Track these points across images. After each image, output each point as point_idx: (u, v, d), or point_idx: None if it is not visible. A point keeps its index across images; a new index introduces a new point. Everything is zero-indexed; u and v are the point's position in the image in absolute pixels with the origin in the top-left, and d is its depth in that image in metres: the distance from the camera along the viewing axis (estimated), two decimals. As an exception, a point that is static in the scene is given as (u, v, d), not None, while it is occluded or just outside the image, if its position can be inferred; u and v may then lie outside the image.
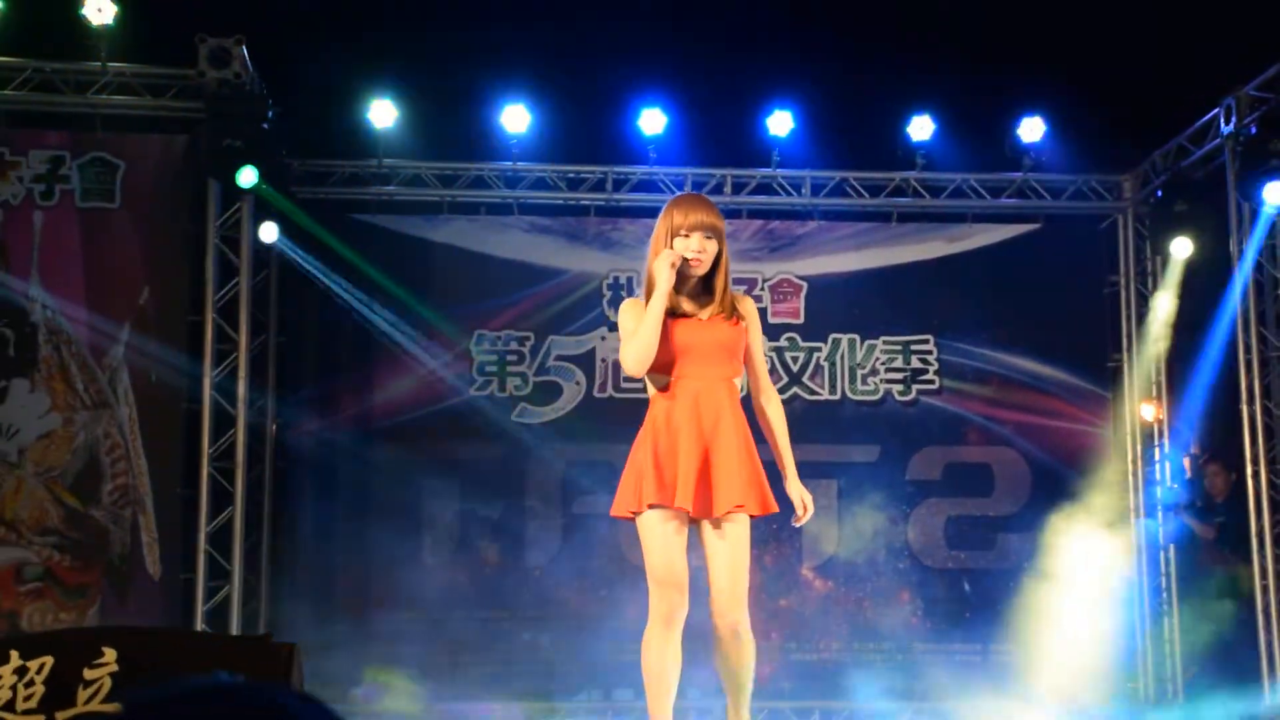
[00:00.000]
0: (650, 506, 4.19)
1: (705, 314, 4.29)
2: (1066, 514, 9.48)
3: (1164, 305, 9.64)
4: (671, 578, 4.21)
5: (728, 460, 4.21)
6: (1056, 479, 9.61)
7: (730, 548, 4.26)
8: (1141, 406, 9.85)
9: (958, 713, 8.66)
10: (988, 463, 9.72)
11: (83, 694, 4.54)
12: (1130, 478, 9.77)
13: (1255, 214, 8.62)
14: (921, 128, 9.68)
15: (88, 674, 4.62)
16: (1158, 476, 9.70)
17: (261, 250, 8.98)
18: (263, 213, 8.78)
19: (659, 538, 4.20)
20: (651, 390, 4.36)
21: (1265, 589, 8.40)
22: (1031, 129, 9.67)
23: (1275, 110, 8.27)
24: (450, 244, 9.59)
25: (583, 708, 9.03)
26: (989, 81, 9.93)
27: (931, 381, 9.76)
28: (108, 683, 4.58)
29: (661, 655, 4.24)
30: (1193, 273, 9.45)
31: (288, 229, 9.03)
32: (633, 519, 4.31)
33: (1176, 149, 9.40)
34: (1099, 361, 9.87)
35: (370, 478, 9.21)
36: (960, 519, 9.64)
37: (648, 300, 4.24)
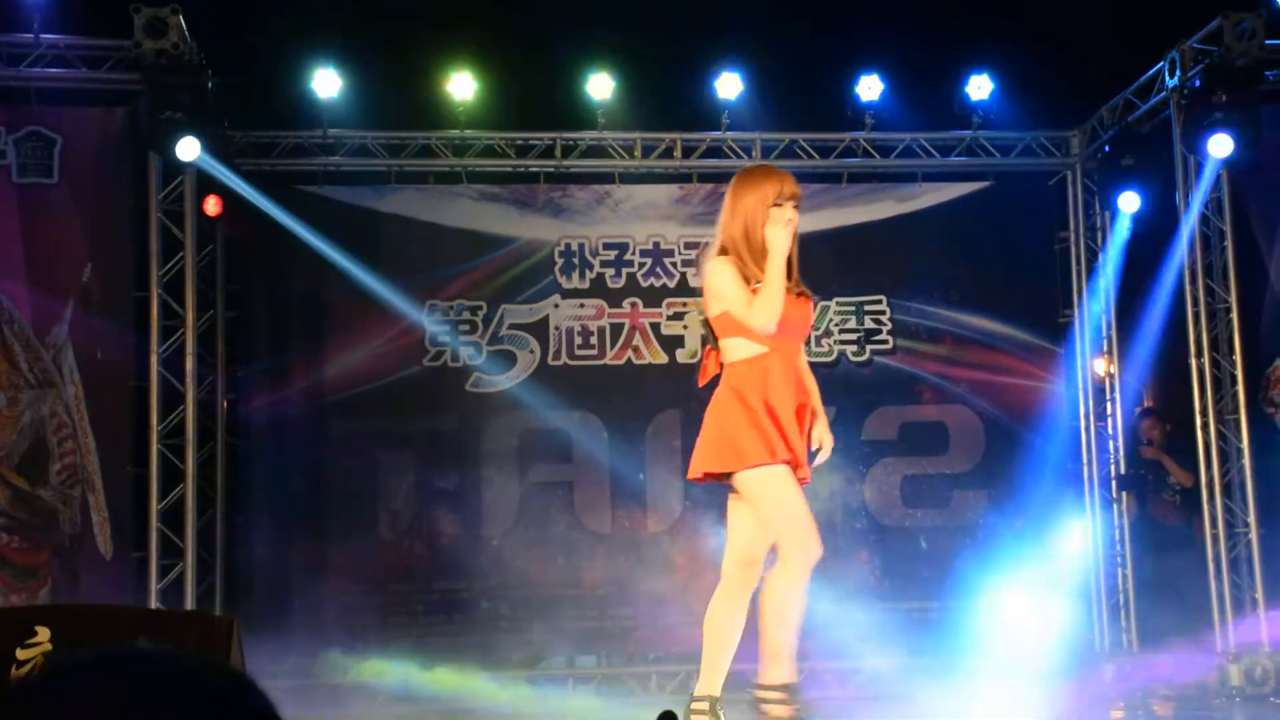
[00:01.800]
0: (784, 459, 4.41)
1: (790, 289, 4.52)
2: (1022, 470, 9.55)
3: (1111, 260, 9.69)
4: (813, 525, 4.48)
5: (803, 432, 4.54)
6: (1010, 435, 9.66)
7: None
8: (1093, 361, 9.91)
9: (915, 669, 8.71)
10: (942, 421, 9.76)
11: (14, 674, 4.48)
12: (1084, 433, 9.83)
13: (1200, 166, 8.66)
14: (870, 88, 9.66)
15: (20, 654, 4.56)
16: (1110, 431, 9.76)
17: (207, 225, 8.86)
18: (206, 186, 8.66)
19: (794, 490, 4.45)
20: (739, 355, 4.51)
21: (1215, 538, 8.47)
22: (979, 87, 9.67)
23: (1218, 63, 8.29)
24: (399, 214, 9.50)
25: (544, 676, 9.03)
26: (937, 40, 9.92)
27: (885, 341, 9.78)
28: (40, 662, 4.53)
29: (803, 596, 4.48)
30: (1140, 226, 9.49)
31: (232, 203, 8.91)
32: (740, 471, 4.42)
33: (1123, 104, 9.42)
34: (1050, 317, 9.91)
35: (324, 451, 9.15)
36: (916, 478, 9.68)
37: (743, 263, 4.46)
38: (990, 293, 9.78)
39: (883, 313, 9.81)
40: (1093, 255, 9.96)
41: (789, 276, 4.50)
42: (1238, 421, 8.64)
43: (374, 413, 9.18)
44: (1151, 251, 9.23)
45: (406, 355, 9.35)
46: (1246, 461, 8.57)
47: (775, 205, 4.50)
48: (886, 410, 9.72)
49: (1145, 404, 10.13)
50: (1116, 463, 9.63)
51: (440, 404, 9.30)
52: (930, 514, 9.66)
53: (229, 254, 9.20)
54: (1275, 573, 8.45)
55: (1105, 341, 9.91)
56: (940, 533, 9.62)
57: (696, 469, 4.52)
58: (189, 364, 8.50)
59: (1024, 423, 9.71)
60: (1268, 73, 8.56)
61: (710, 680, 4.58)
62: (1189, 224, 8.76)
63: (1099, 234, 9.94)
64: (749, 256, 4.49)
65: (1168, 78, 8.76)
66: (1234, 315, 8.71)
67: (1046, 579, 9.22)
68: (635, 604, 9.19)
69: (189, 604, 8.07)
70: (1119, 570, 9.57)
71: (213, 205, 8.54)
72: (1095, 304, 9.88)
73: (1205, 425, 8.67)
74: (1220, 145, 8.35)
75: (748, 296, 4.43)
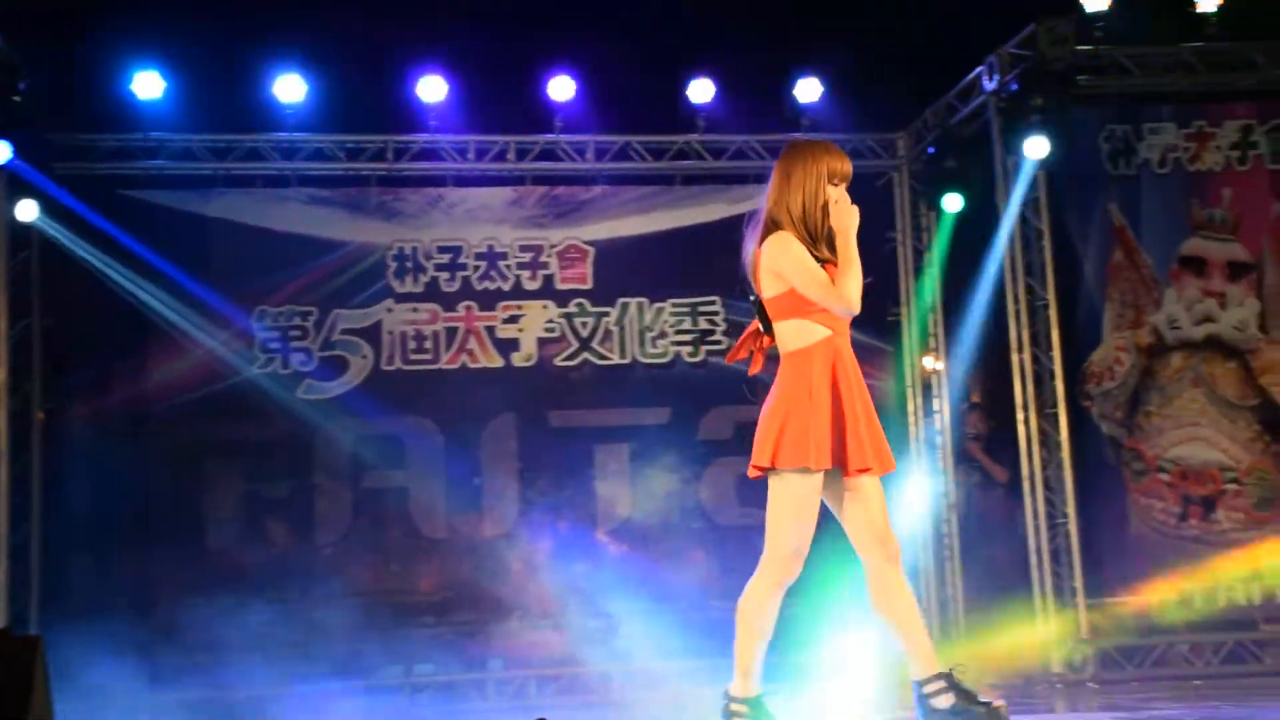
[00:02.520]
0: (823, 469, 4.21)
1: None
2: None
3: (936, 259, 9.91)
4: (804, 545, 4.31)
5: (872, 420, 4.29)
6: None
7: (879, 490, 4.33)
8: (921, 358, 10.12)
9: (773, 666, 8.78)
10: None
11: None
12: (913, 428, 10.04)
13: (1019, 167, 8.90)
14: (701, 90, 9.74)
15: None
16: (937, 426, 9.97)
17: (21, 230, 8.59)
18: (18, 190, 8.39)
19: (813, 508, 4.27)
20: (804, 340, 4.22)
21: (1036, 529, 8.71)
22: (808, 89, 9.81)
23: (1033, 67, 8.53)
24: (225, 218, 9.32)
25: (382, 685, 8.92)
26: (767, 44, 10.05)
27: (720, 342, 9.86)
28: None
29: (769, 609, 4.39)
30: (964, 226, 9.72)
31: (49, 207, 8.64)
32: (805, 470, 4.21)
33: (945, 107, 9.64)
34: (879, 316, 10.08)
35: (147, 463, 8.93)
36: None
37: (803, 238, 4.20)
38: (822, 292, 9.90)
39: (717, 313, 9.90)
40: (919, 254, 10.18)
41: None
42: (1057, 415, 8.90)
43: (200, 421, 8.99)
44: (975, 250, 9.46)
45: (234, 362, 9.17)
46: (1066, 454, 8.83)
47: (833, 184, 4.28)
48: (722, 410, 9.80)
49: (972, 398, 10.38)
50: (944, 458, 9.84)
51: (270, 411, 9.15)
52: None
53: (45, 259, 8.92)
54: (1093, 562, 8.72)
55: (932, 339, 10.13)
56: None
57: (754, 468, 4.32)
58: (1, 373, 8.23)
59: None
60: (1080, 77, 8.82)
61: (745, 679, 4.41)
62: (1008, 223, 9.00)
63: (925, 234, 10.16)
64: (808, 233, 4.23)
65: (986, 82, 8.99)
66: (1052, 312, 8.97)
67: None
68: (472, 610, 9.14)
69: (2, 621, 7.81)
70: (947, 563, 9.78)
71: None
72: (922, 302, 10.10)
73: (1026, 419, 8.91)
74: (1036, 147, 8.60)
75: (827, 276, 4.17)
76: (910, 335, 10.08)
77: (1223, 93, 9.19)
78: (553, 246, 9.79)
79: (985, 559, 9.33)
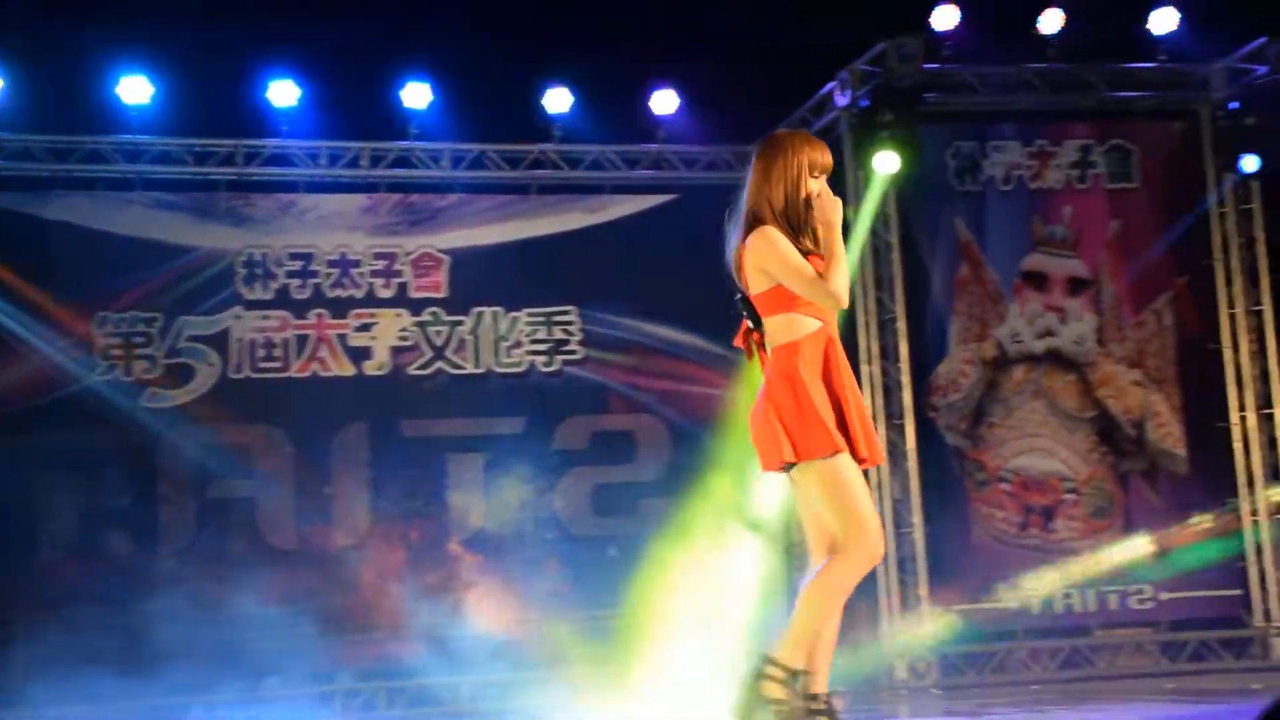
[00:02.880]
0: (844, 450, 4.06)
1: None
2: (706, 476, 9.77)
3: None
4: (874, 516, 4.12)
5: (863, 412, 4.19)
6: (696, 443, 9.87)
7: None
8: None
9: (607, 677, 8.81)
10: (631, 430, 9.90)
11: None
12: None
13: (869, 182, 9.05)
14: (558, 99, 9.74)
15: None
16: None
17: None
18: None
19: (860, 481, 4.09)
20: (793, 333, 4.14)
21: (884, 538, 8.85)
22: (665, 101, 9.87)
23: (883, 84, 8.69)
24: (65, 221, 9.06)
25: (226, 699, 8.74)
26: (624, 53, 10.08)
27: (575, 351, 9.86)
28: None
29: (849, 591, 4.07)
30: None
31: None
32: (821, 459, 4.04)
33: (799, 120, 9.76)
34: (735, 328, 10.13)
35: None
36: (606, 486, 9.79)
37: (786, 232, 4.12)
38: (677, 304, 9.96)
39: (572, 323, 9.90)
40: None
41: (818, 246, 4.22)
42: (904, 426, 9.06)
43: (36, 431, 8.71)
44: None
45: (73, 370, 8.93)
46: (912, 464, 8.99)
47: (814, 176, 4.21)
48: (576, 420, 9.81)
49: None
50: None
51: (111, 421, 8.91)
52: (620, 522, 9.78)
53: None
54: (938, 570, 8.90)
55: (786, 350, 10.22)
56: (630, 541, 9.75)
57: (772, 461, 4.14)
58: None
59: (710, 430, 9.95)
60: (928, 94, 9.00)
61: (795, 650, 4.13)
62: (859, 237, 9.14)
63: (779, 246, 10.24)
64: (790, 227, 4.16)
65: (838, 97, 9.13)
66: (901, 324, 9.13)
67: (730, 583, 9.45)
68: (321, 621, 9.00)
69: None
70: (794, 572, 9.88)
71: None
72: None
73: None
74: (886, 162, 8.76)
75: (814, 271, 4.10)
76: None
77: (1063, 113, 9.45)
78: (407, 254, 9.71)
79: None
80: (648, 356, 9.93)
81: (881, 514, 8.87)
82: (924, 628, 8.66)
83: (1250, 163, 9.12)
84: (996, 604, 8.80)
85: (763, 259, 4.14)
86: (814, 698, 4.09)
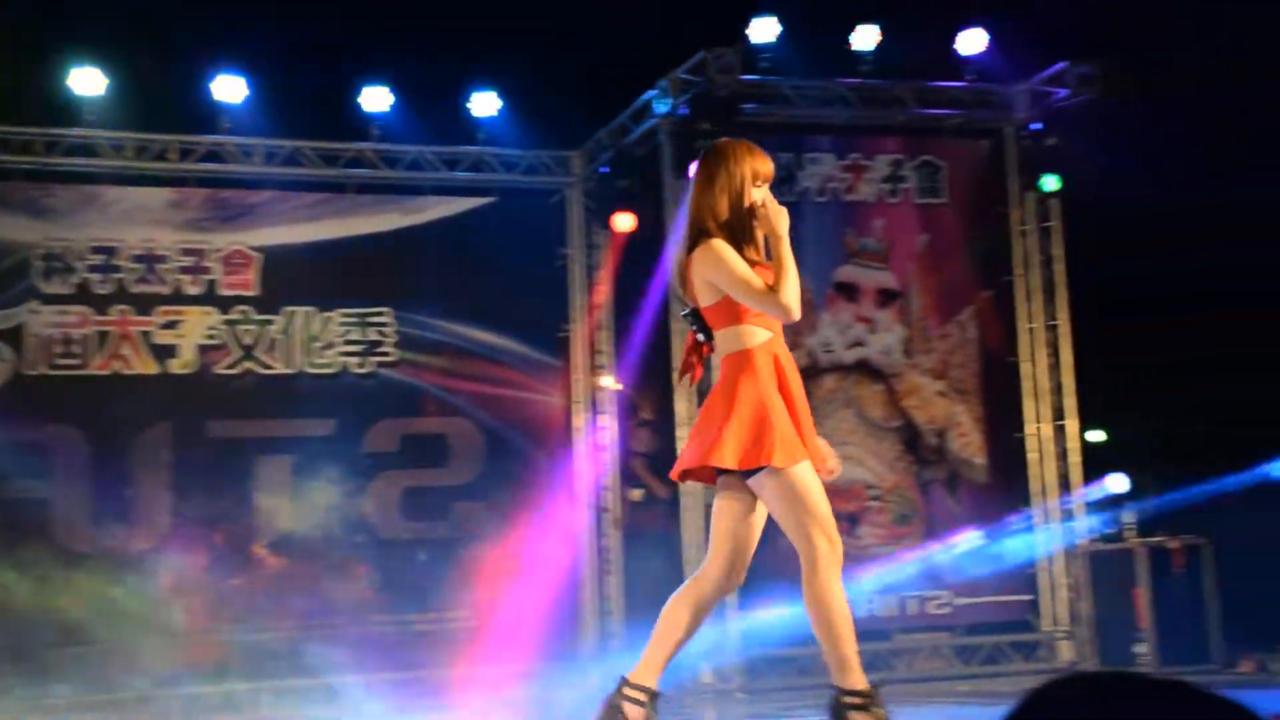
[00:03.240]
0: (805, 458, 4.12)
1: None
2: (519, 481, 9.75)
3: (607, 278, 10.07)
4: (829, 514, 4.16)
5: (810, 422, 4.23)
6: (510, 447, 9.85)
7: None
8: (593, 375, 10.25)
9: (415, 683, 8.72)
10: (444, 433, 9.83)
11: None
12: (580, 445, 10.14)
13: (687, 191, 9.10)
14: (377, 98, 9.62)
15: None
16: (604, 442, 10.11)
17: None
18: None
19: (818, 486, 4.14)
20: (742, 344, 4.13)
21: (695, 544, 8.91)
22: (485, 103, 9.82)
23: (702, 94, 8.77)
24: None
25: (14, 710, 8.41)
26: (445, 54, 10.01)
27: (389, 353, 9.75)
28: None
29: (841, 591, 4.18)
30: (635, 246, 9.90)
31: None
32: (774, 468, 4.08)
33: (619, 127, 9.80)
34: (550, 332, 10.17)
35: None
36: (417, 490, 9.70)
37: (730, 243, 4.11)
38: (493, 306, 9.94)
39: (387, 325, 9.78)
40: (592, 272, 10.31)
41: (761, 253, 4.22)
42: (717, 433, 9.13)
43: None
44: (645, 270, 9.65)
45: None
46: (724, 470, 9.06)
47: (756, 185, 4.20)
48: (388, 423, 9.70)
49: (641, 416, 10.57)
50: (610, 473, 9.99)
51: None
52: (430, 526, 9.69)
53: None
54: (746, 575, 8.97)
55: (602, 356, 10.28)
56: (440, 545, 9.67)
57: (691, 462, 4.17)
58: None
59: (524, 435, 9.93)
60: (746, 105, 9.11)
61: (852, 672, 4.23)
62: (675, 245, 9.20)
63: (597, 251, 10.30)
64: (734, 237, 4.14)
65: (658, 105, 9.18)
66: (714, 333, 9.21)
67: (541, 587, 9.45)
68: (117, 627, 8.72)
69: None
70: (607, 576, 9.92)
71: None
72: (593, 319, 10.23)
73: (685, 437, 9.11)
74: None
75: (762, 282, 4.07)
76: (580, 352, 10.19)
77: (876, 127, 9.66)
78: (216, 251, 9.48)
79: (644, 573, 9.50)
80: (463, 359, 9.86)
81: (691, 521, 8.95)
82: (730, 631, 8.75)
83: (1050, 182, 9.45)
84: (802, 609, 8.92)
85: (710, 272, 4.11)
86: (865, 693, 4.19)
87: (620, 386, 10.21)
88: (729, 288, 4.10)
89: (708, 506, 8.93)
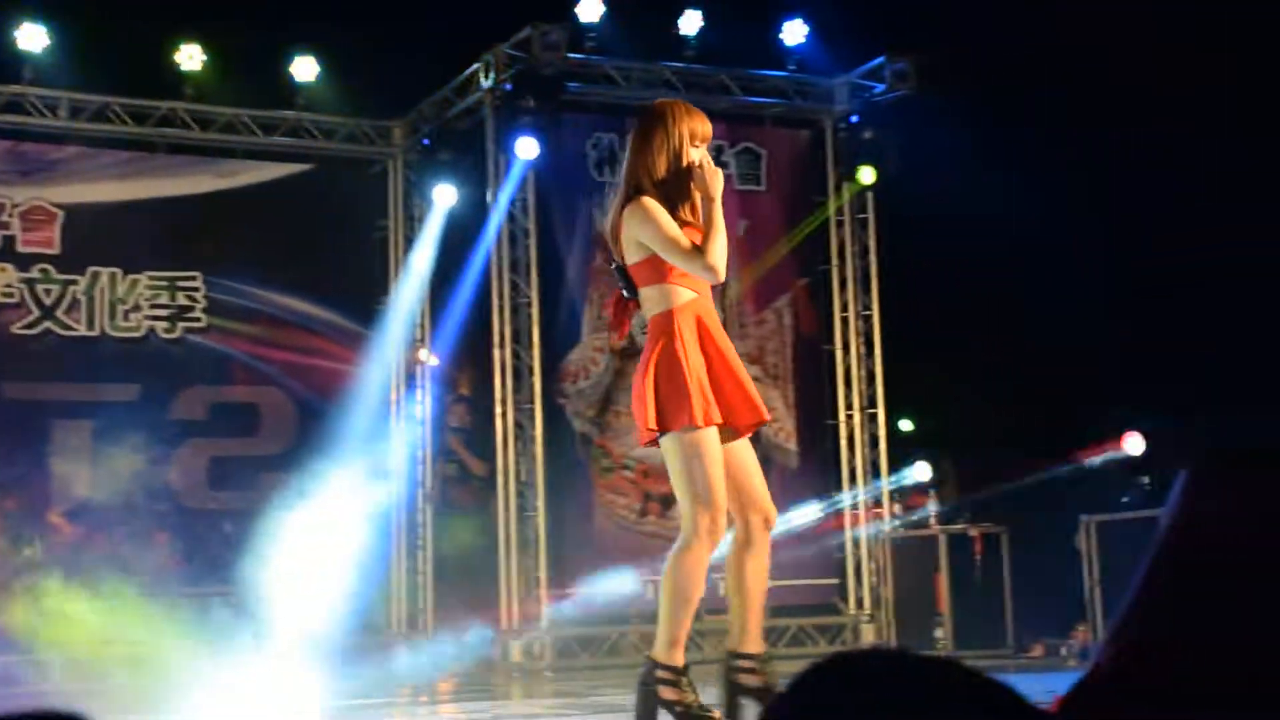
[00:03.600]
0: (715, 424, 4.06)
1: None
2: (331, 453, 9.60)
3: (426, 251, 9.96)
4: (723, 498, 4.07)
5: (743, 379, 4.21)
6: (323, 418, 9.67)
7: (752, 453, 4.27)
8: (410, 349, 10.13)
9: (214, 655, 8.52)
10: (255, 402, 9.62)
11: None
12: (394, 418, 10.02)
13: (510, 166, 9.07)
14: (191, 57, 9.34)
15: None
16: (419, 416, 10.01)
17: None
18: None
19: (717, 458, 4.07)
20: (666, 304, 4.12)
21: (507, 521, 8.91)
22: (305, 68, 9.61)
23: (527, 70, 8.72)
24: None
25: None
26: (264, 15, 9.76)
27: (199, 319, 9.50)
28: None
29: (703, 574, 4.10)
30: (456, 220, 9.81)
31: None
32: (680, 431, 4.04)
33: (443, 99, 9.69)
34: (367, 303, 10.02)
35: None
36: (225, 459, 9.47)
37: (670, 204, 4.10)
38: (309, 275, 9.75)
39: (197, 289, 9.52)
40: (410, 244, 10.18)
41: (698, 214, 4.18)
42: (533, 411, 9.13)
43: None
44: (465, 244, 9.57)
45: None
46: (539, 449, 9.07)
47: (695, 145, 4.15)
48: (197, 390, 9.46)
49: (459, 391, 10.49)
50: (424, 448, 9.89)
51: None
52: (237, 496, 9.48)
53: None
54: (559, 554, 9.01)
55: (419, 329, 10.17)
56: (247, 516, 9.46)
57: (643, 433, 4.16)
58: None
59: (337, 406, 9.77)
60: (570, 84, 9.10)
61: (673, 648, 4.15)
62: (496, 220, 9.15)
63: (416, 224, 10.18)
64: (668, 197, 4.11)
65: (483, 79, 9.10)
66: (534, 309, 9.19)
67: (350, 561, 9.32)
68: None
69: None
70: (419, 552, 9.84)
71: None
72: (411, 292, 10.11)
73: (504, 414, 9.09)
74: (527, 148, 8.79)
75: (690, 242, 4.05)
76: (397, 324, 10.06)
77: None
78: (15, 206, 9.09)
79: (457, 549, 9.44)
80: (276, 328, 9.66)
81: (505, 498, 8.93)
82: (540, 610, 8.76)
83: (867, 174, 9.64)
84: (613, 588, 8.98)
85: (638, 230, 4.10)
86: (744, 656, 4.18)
87: (437, 361, 10.12)
88: (656, 246, 4.10)
89: (521, 483, 8.96)
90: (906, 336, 9.84)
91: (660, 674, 4.15)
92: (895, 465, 9.59)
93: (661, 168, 4.14)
